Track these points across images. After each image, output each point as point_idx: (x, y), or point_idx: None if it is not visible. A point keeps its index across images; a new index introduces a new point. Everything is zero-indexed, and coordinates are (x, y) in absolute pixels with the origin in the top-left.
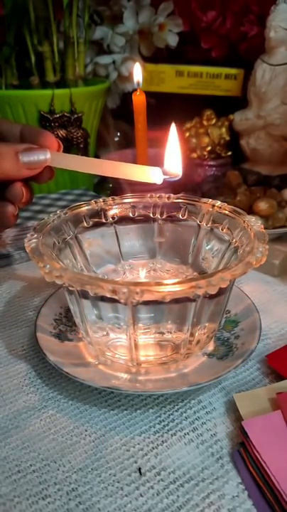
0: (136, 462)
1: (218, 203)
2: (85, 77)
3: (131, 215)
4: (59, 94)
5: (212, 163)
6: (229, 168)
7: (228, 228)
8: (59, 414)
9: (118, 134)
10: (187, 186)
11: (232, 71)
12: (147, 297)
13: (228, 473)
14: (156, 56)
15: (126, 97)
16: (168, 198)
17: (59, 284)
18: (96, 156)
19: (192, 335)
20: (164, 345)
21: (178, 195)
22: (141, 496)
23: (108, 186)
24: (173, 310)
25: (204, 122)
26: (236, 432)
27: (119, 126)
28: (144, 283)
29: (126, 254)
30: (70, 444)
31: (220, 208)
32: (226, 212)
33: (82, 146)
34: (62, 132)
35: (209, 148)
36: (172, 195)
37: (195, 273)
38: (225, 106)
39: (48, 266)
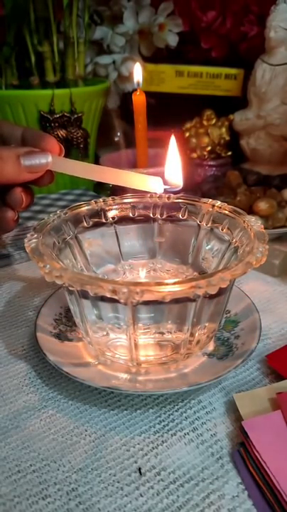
0: (136, 462)
1: (218, 203)
2: (85, 77)
3: (131, 215)
4: (59, 94)
5: (212, 163)
6: (229, 168)
7: (228, 228)
8: (59, 414)
9: (119, 134)
10: (187, 186)
11: (232, 71)
12: (147, 297)
13: (228, 473)
14: (156, 56)
15: (126, 97)
16: (168, 198)
17: (59, 284)
18: (96, 156)
19: (192, 335)
20: (164, 345)
21: (178, 195)
22: (141, 496)
23: (108, 186)
24: (173, 310)
25: (204, 122)
26: (236, 432)
27: (119, 126)
28: (144, 283)
29: (126, 254)
30: (70, 444)
31: (220, 207)
32: (226, 212)
33: (82, 146)
34: (62, 132)
35: (209, 148)
36: (172, 195)
37: (195, 273)
38: (225, 106)
39: (48, 266)
